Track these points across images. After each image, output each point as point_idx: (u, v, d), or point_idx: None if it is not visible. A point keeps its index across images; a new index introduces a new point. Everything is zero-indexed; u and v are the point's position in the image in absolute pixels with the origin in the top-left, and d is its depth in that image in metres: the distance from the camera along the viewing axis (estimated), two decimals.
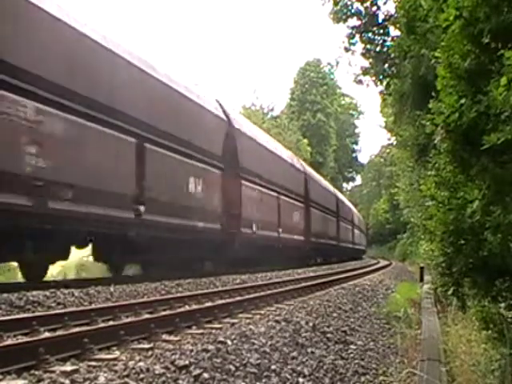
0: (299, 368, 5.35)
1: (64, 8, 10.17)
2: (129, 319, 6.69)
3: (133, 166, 11.66)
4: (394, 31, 15.34)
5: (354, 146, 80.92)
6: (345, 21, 16.38)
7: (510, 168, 3.77)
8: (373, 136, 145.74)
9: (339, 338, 7.13)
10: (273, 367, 5.14)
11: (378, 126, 78.16)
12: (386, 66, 15.13)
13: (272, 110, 57.59)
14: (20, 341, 4.93)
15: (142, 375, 4.24)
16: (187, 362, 4.63)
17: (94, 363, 4.62)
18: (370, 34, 16.08)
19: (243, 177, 18.20)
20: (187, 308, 8.01)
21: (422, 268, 18.50)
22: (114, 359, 4.80)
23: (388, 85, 15.31)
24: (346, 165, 78.80)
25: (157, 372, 4.34)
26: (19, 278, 12.59)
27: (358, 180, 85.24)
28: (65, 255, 11.23)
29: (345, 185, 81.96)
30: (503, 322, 4.72)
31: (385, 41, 15.90)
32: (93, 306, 7.52)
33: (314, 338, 6.74)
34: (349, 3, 16.22)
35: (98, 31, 11.20)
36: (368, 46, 15.98)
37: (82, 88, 10.10)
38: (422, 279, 17.43)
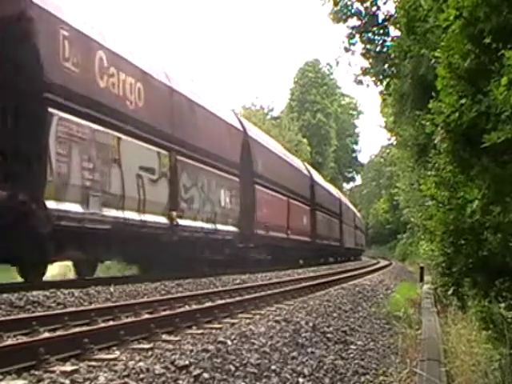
0: (299, 368, 5.35)
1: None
2: (129, 319, 6.69)
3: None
4: (394, 31, 15.35)
5: (354, 146, 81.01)
6: (345, 21, 16.37)
7: (510, 168, 3.77)
8: (373, 136, 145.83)
9: (339, 338, 7.12)
10: (273, 367, 5.14)
11: (378, 126, 78.14)
12: (386, 66, 15.12)
13: (272, 110, 57.68)
14: (20, 341, 4.93)
15: (142, 375, 4.23)
16: (187, 362, 4.63)
17: (94, 363, 4.61)
18: (369, 34, 16.07)
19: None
20: (187, 308, 8.01)
21: (422, 268, 18.51)
22: (114, 359, 4.79)
23: (388, 85, 15.31)
24: (346, 165, 78.83)
25: (157, 372, 4.34)
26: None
27: (358, 180, 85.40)
28: None
29: (345, 185, 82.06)
30: (503, 321, 4.72)
31: (385, 41, 15.90)
32: (93, 306, 7.51)
33: (313, 338, 6.73)
34: (349, 3, 16.22)
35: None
36: (368, 46, 15.98)
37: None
38: (422, 279, 17.43)
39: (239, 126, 19.07)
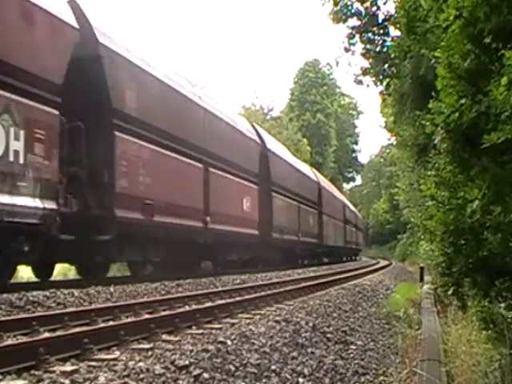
0: (299, 368, 5.35)
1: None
2: (129, 319, 6.69)
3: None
4: (394, 31, 15.34)
5: (354, 146, 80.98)
6: (345, 21, 16.36)
7: (510, 168, 3.77)
8: (373, 136, 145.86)
9: (339, 338, 7.12)
10: (273, 367, 5.14)
11: (378, 126, 78.13)
12: (386, 66, 15.12)
13: (272, 110, 57.69)
14: (20, 341, 4.93)
15: (142, 375, 4.23)
16: (187, 362, 4.63)
17: (94, 363, 4.61)
18: (369, 34, 16.06)
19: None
20: (187, 308, 8.01)
21: (421, 268, 18.52)
22: (114, 359, 4.79)
23: (388, 85, 15.30)
24: (346, 165, 78.79)
25: (157, 372, 4.33)
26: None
27: (358, 180, 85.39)
28: None
29: (345, 185, 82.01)
30: (503, 321, 4.72)
31: (385, 41, 15.89)
32: (93, 306, 7.52)
33: (313, 338, 6.73)
34: (349, 3, 16.20)
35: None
36: (368, 46, 15.97)
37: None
38: (422, 279, 17.43)
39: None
